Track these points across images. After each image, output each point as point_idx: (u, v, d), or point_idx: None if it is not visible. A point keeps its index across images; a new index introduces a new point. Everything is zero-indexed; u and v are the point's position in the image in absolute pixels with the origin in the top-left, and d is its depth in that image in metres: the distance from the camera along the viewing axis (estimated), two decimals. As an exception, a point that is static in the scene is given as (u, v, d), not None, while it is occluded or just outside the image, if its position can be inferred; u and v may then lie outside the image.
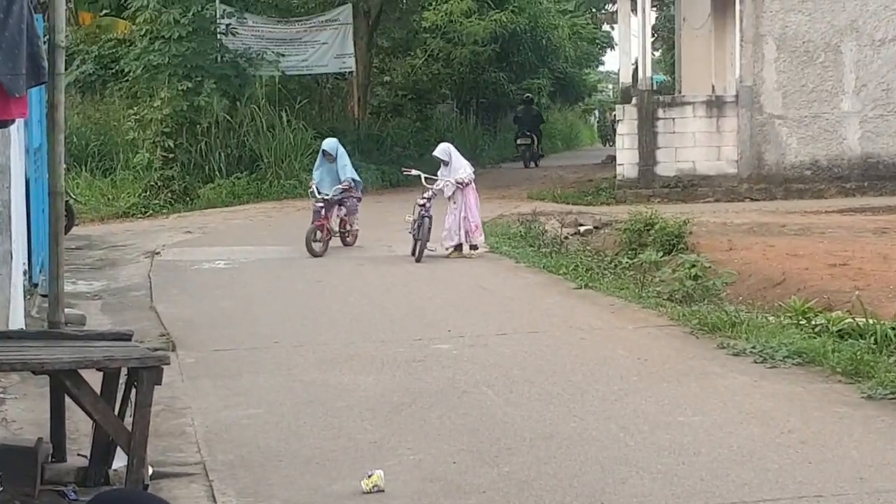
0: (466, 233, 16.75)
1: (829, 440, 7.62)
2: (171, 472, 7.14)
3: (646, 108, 24.46)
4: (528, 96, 41.61)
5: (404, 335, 11.39)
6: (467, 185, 16.79)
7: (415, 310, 12.82)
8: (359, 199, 17.66)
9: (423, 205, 16.56)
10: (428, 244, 16.58)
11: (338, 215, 17.44)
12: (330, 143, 17.77)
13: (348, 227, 17.67)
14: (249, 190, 26.63)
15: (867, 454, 7.29)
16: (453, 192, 16.74)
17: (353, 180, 17.41)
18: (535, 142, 38.35)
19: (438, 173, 17.15)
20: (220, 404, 8.86)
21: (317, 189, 17.17)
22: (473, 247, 16.88)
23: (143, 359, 6.34)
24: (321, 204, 16.97)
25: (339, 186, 17.14)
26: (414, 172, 17.44)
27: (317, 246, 16.86)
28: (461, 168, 17.00)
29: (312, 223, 16.97)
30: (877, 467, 7.03)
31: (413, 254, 16.45)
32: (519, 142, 38.50)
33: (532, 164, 37.35)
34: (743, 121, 24.24)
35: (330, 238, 17.13)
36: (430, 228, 16.50)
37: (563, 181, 30.05)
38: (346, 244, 17.51)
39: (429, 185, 16.90)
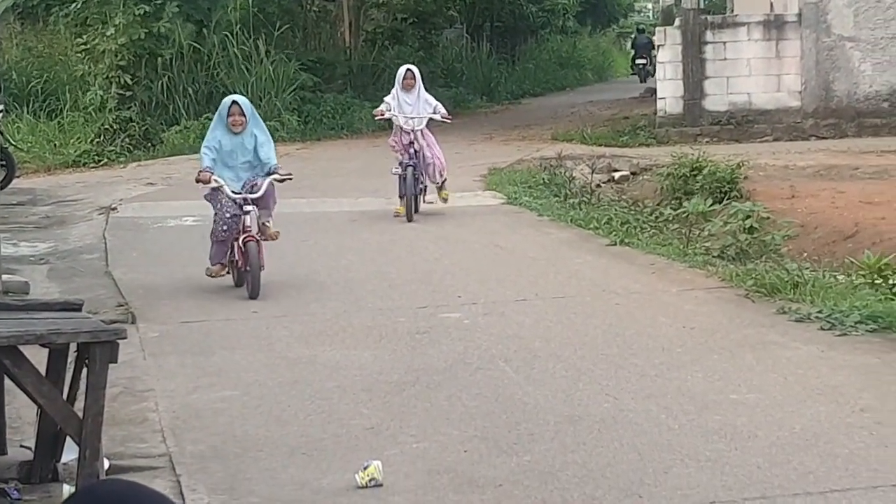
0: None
1: (909, 420, 7.63)
2: (132, 466, 7.16)
3: (691, 30, 24.38)
4: (641, 26, 53.00)
5: (406, 303, 11.40)
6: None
7: (419, 273, 12.83)
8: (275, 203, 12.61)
9: (409, 152, 16.05)
10: (427, 198, 16.57)
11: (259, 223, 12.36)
12: (240, 98, 12.74)
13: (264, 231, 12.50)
14: (222, 133, 26.58)
15: (954, 436, 7.30)
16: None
17: (277, 166, 12.35)
18: (650, 62, 43.93)
19: (396, 101, 16.24)
20: (189, 386, 8.88)
21: (217, 182, 12.00)
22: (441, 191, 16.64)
23: (95, 332, 6.35)
24: (236, 208, 12.04)
25: (271, 178, 12.15)
26: (388, 115, 16.30)
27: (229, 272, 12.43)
28: (428, 95, 16.55)
29: (223, 238, 12.19)
30: (966, 451, 7.04)
31: (408, 213, 16.01)
32: (637, 61, 48.19)
33: (646, 80, 43.58)
34: (807, 44, 24.14)
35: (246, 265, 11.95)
36: (421, 180, 16.26)
37: (593, 119, 30.01)
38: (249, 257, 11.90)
39: (407, 128, 16.07)
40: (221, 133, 12.19)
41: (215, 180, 11.89)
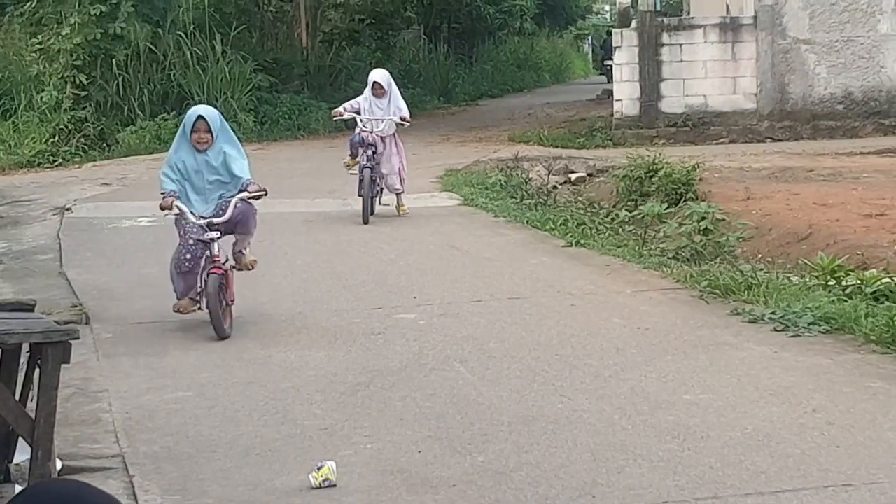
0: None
1: (860, 420, 7.68)
2: (85, 467, 7.14)
3: (648, 32, 24.50)
4: (610, 28, 55.12)
5: (361, 304, 11.40)
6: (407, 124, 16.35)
7: (374, 274, 12.84)
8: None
9: (367, 153, 15.92)
10: (382, 200, 16.50)
11: (234, 250, 11.01)
12: (208, 112, 11.02)
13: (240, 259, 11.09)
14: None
15: (905, 436, 7.37)
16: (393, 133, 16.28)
17: (251, 181, 10.60)
18: None
19: (368, 103, 16.03)
20: (143, 387, 8.86)
21: (181, 207, 10.46)
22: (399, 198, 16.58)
23: (47, 332, 6.33)
24: (200, 235, 10.49)
25: (238, 197, 10.47)
26: (347, 115, 16.09)
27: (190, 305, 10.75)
28: (400, 101, 16.29)
29: (187, 269, 10.59)
30: (916, 451, 7.10)
31: (364, 215, 15.85)
32: (606, 63, 45.63)
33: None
34: (763, 47, 24.29)
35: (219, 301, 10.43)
36: (378, 181, 16.17)
37: (550, 120, 30.10)
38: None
39: (366, 130, 15.91)
40: (186, 151, 10.58)
41: (177, 206, 10.36)
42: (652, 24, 24.63)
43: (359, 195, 16.09)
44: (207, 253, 10.46)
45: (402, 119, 16.01)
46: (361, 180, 15.90)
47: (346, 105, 16.21)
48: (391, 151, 16.12)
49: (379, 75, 16.24)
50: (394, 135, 16.19)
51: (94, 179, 21.66)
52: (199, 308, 10.49)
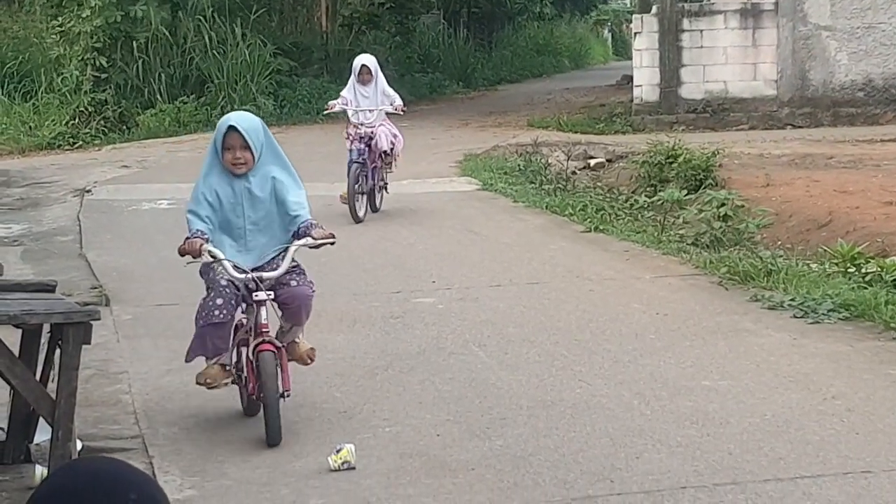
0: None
1: (879, 407, 7.67)
2: (105, 448, 7.17)
3: (668, 18, 24.44)
4: None
5: (380, 288, 11.41)
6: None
7: (392, 258, 12.85)
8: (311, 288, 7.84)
9: (359, 148, 14.85)
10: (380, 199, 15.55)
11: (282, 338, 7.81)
12: (244, 121, 7.60)
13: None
14: (197, 117, 26.60)
15: (924, 423, 7.36)
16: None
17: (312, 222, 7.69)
18: None
19: (352, 93, 15.07)
20: (163, 368, 8.88)
21: (213, 253, 7.41)
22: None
23: (68, 313, 6.35)
24: (236, 286, 7.49)
25: (295, 246, 7.58)
26: (338, 108, 15.08)
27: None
28: (388, 88, 15.26)
29: (218, 319, 7.45)
30: (935, 439, 7.09)
31: (353, 214, 14.77)
32: None
33: None
34: (784, 33, 24.20)
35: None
36: (371, 178, 15.11)
37: (570, 106, 30.04)
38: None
39: (359, 124, 14.85)
40: (218, 177, 7.56)
41: (209, 252, 7.35)
42: (672, 10, 24.57)
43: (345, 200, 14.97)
44: (244, 318, 7.60)
45: (396, 108, 15.01)
46: (356, 182, 14.90)
47: (342, 98, 15.15)
48: (381, 136, 14.90)
49: (366, 58, 15.33)
50: (383, 123, 15.01)
51: (114, 162, 21.71)
52: (233, 381, 7.66)
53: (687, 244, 13.24)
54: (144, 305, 10.89)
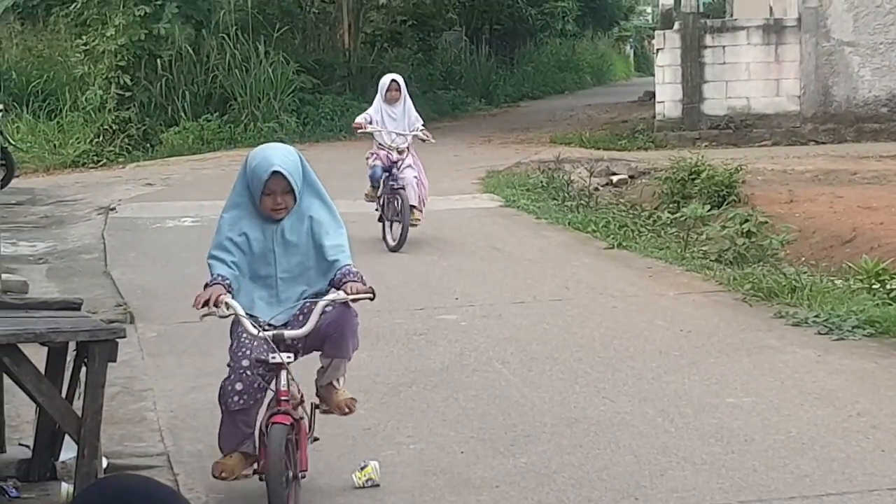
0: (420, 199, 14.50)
1: (905, 424, 7.66)
2: (130, 465, 7.18)
3: (691, 34, 24.43)
4: None
5: (403, 304, 11.41)
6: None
7: (415, 275, 12.85)
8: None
9: (393, 173, 14.19)
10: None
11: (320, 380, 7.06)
12: (287, 162, 6.60)
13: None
14: (221, 135, 26.69)
15: (950, 440, 7.33)
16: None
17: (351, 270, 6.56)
18: None
19: (379, 114, 14.36)
20: (187, 386, 8.89)
21: (231, 306, 6.38)
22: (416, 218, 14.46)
23: (94, 331, 6.36)
24: (262, 353, 6.40)
25: (327, 300, 6.45)
26: (370, 128, 14.29)
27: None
28: (414, 111, 14.58)
29: (237, 406, 6.47)
30: (961, 456, 7.06)
31: (386, 240, 14.41)
32: None
33: None
34: (807, 49, 24.17)
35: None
36: (407, 203, 14.14)
37: (592, 122, 30.04)
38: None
39: (390, 144, 14.20)
40: (249, 219, 6.61)
41: (227, 304, 6.32)
42: (695, 26, 24.57)
43: (379, 220, 14.62)
44: (274, 386, 6.45)
45: (428, 137, 14.37)
46: (389, 204, 14.38)
47: (367, 116, 14.42)
48: (405, 164, 14.29)
49: (394, 75, 14.75)
50: (408, 147, 14.33)
51: (138, 179, 21.77)
52: (255, 472, 6.54)
53: (710, 261, 13.22)
54: (169, 323, 10.90)
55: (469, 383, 8.77)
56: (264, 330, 6.32)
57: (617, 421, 7.83)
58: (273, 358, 6.27)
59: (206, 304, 6.30)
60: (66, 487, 6.57)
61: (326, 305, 6.36)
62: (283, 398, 6.31)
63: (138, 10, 25.99)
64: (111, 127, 25.94)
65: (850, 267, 11.99)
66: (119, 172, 23.43)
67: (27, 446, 7.02)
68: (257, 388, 6.39)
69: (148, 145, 26.08)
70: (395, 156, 14.16)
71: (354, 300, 6.33)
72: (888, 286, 10.96)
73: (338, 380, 6.95)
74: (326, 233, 6.56)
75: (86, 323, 6.63)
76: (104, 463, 6.72)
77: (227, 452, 6.58)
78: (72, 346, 6.66)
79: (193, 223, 16.52)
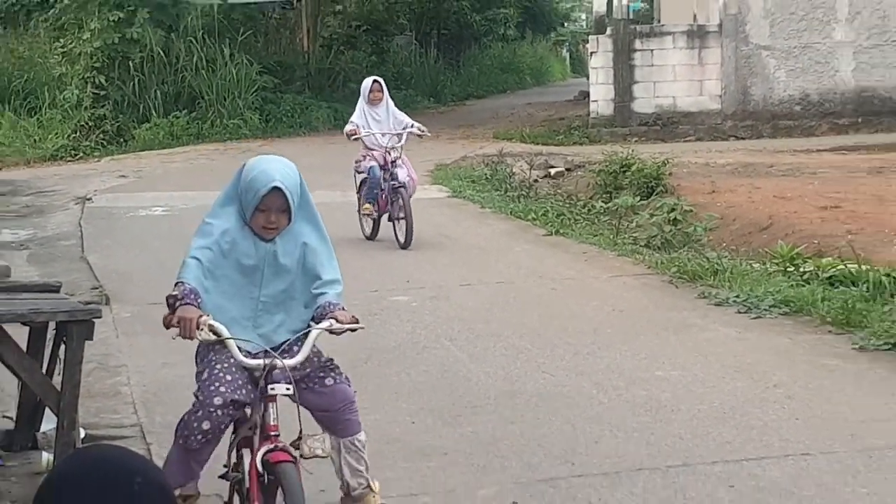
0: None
1: (817, 395, 7.70)
2: (105, 436, 7.13)
3: (622, 38, 24.49)
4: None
5: (358, 286, 11.35)
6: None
7: (369, 259, 12.82)
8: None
9: (391, 172, 13.49)
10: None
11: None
12: (288, 178, 5.35)
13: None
14: (189, 130, 26.55)
15: (858, 409, 7.38)
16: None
17: (332, 301, 5.57)
18: None
19: (363, 118, 13.57)
20: (159, 362, 8.84)
21: (216, 330, 5.17)
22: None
23: (72, 312, 6.31)
24: (240, 393, 5.29)
25: (317, 330, 5.37)
26: (362, 133, 13.47)
27: None
28: (398, 111, 13.84)
29: (196, 444, 5.32)
30: (868, 423, 7.11)
31: (397, 238, 13.52)
32: None
33: None
34: (727, 52, 24.29)
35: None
36: (409, 200, 13.47)
37: (532, 119, 30.06)
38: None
39: (386, 146, 13.54)
40: (239, 231, 5.45)
41: (209, 326, 5.16)
42: (625, 32, 24.62)
43: (388, 218, 13.88)
44: (255, 420, 5.33)
45: (423, 132, 13.80)
46: (393, 203, 13.64)
47: (353, 124, 13.59)
48: (399, 162, 13.66)
49: (377, 77, 14.09)
50: (404, 160, 13.79)
51: (113, 172, 21.62)
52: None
53: (640, 246, 13.26)
54: (142, 304, 10.82)
55: (420, 359, 8.77)
56: (254, 357, 5.22)
57: (555, 393, 7.85)
58: (273, 388, 5.16)
59: (186, 330, 5.13)
60: (46, 456, 6.52)
61: (318, 335, 5.33)
62: (273, 433, 5.18)
63: (112, 15, 25.80)
64: (87, 123, 25.75)
65: (766, 252, 12.05)
66: (95, 165, 23.26)
67: (10, 418, 6.98)
68: (223, 428, 5.30)
69: (121, 140, 25.91)
70: (392, 154, 13.57)
71: (346, 330, 5.34)
72: (801, 269, 11.01)
73: (370, 479, 5.76)
74: (322, 264, 5.54)
75: (64, 304, 6.58)
76: (82, 433, 6.68)
77: (182, 482, 5.44)
78: (51, 325, 6.61)
79: (164, 212, 16.45)
